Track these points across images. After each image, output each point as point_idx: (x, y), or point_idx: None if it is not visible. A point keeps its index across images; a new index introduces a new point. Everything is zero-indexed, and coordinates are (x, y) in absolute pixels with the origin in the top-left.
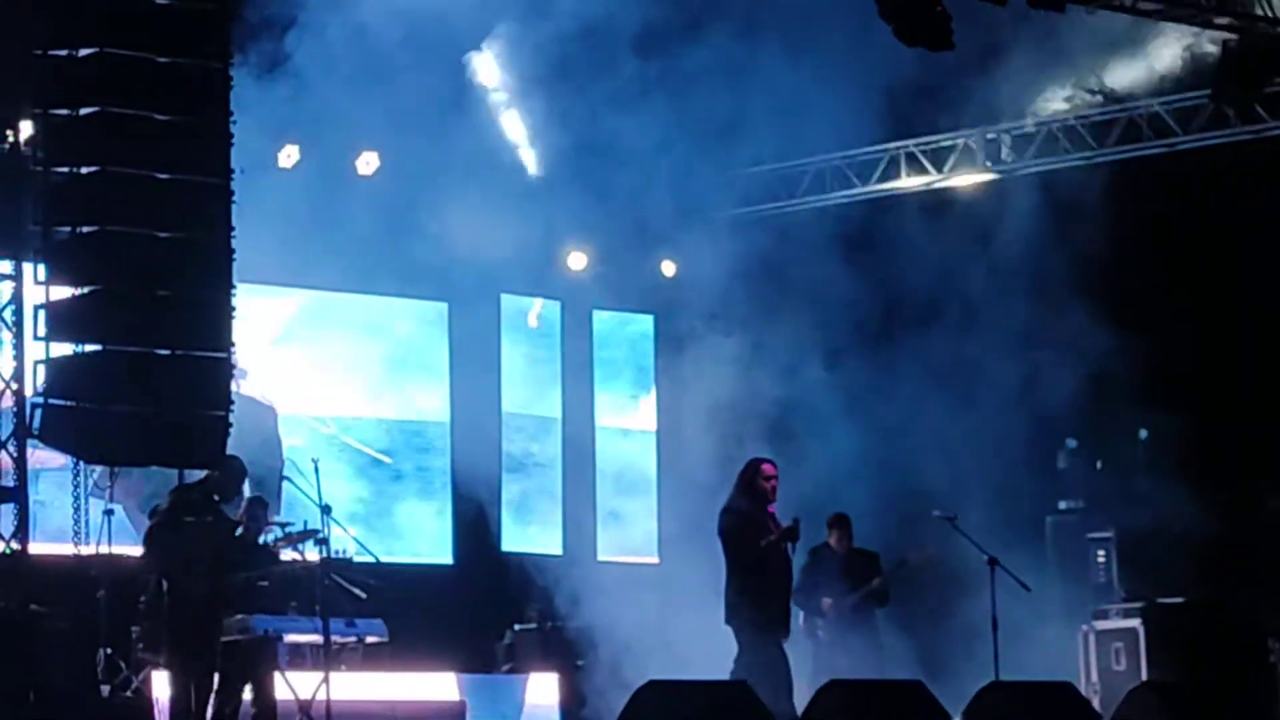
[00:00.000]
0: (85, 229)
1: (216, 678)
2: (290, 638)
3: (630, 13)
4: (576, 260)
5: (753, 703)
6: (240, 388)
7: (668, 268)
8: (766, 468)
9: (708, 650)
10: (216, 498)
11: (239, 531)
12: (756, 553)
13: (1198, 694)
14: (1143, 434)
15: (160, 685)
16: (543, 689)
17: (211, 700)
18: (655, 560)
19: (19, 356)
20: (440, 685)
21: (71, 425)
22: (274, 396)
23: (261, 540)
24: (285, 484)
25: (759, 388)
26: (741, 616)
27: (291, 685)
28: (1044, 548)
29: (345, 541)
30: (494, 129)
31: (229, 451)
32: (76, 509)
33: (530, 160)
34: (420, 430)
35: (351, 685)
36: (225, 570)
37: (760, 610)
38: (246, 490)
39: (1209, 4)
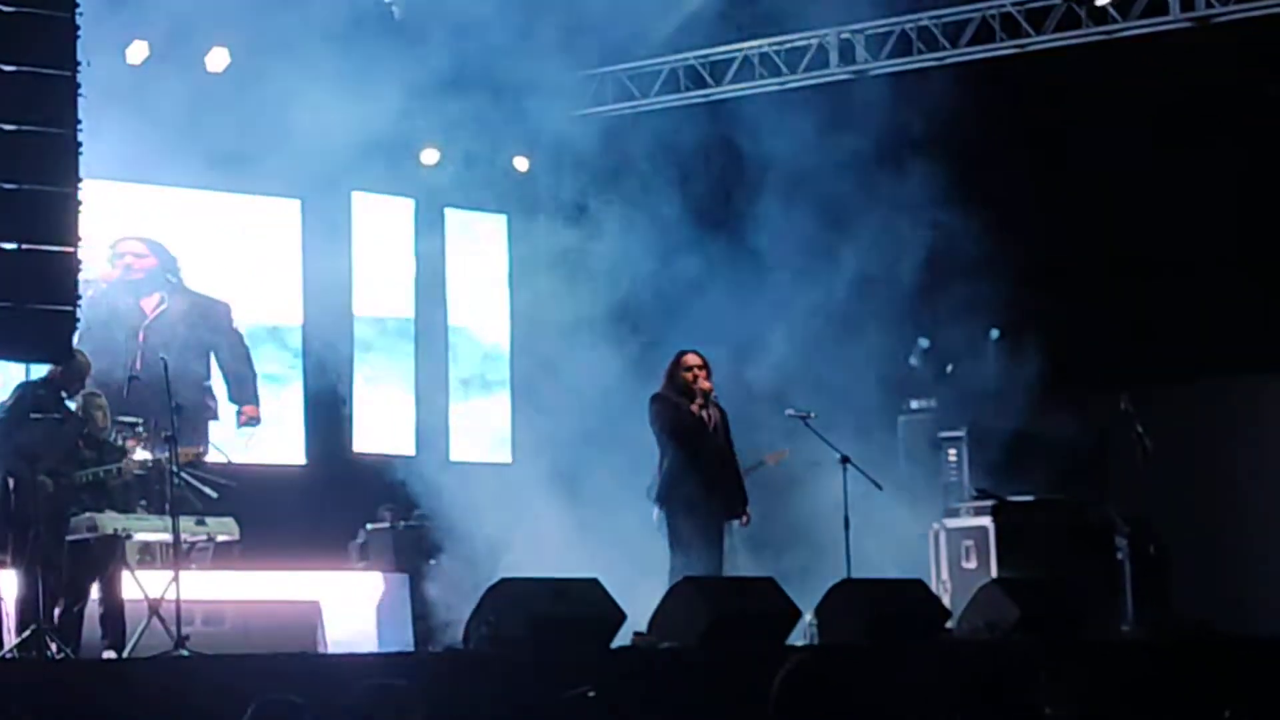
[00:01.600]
0: None
1: (64, 576)
2: (140, 536)
3: None
4: (430, 157)
5: (602, 597)
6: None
7: (520, 164)
8: (687, 358)
9: (559, 549)
10: (63, 394)
11: (85, 429)
12: (674, 434)
13: (1045, 590)
14: (994, 334)
15: (7, 585)
16: (395, 588)
17: (59, 600)
18: (509, 461)
19: None
20: (293, 584)
21: None
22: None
23: (111, 438)
24: (133, 381)
25: (608, 287)
26: (665, 501)
27: (141, 584)
28: (896, 446)
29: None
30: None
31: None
32: None
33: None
34: (273, 332)
35: (202, 584)
36: (73, 467)
37: (680, 492)
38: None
39: None
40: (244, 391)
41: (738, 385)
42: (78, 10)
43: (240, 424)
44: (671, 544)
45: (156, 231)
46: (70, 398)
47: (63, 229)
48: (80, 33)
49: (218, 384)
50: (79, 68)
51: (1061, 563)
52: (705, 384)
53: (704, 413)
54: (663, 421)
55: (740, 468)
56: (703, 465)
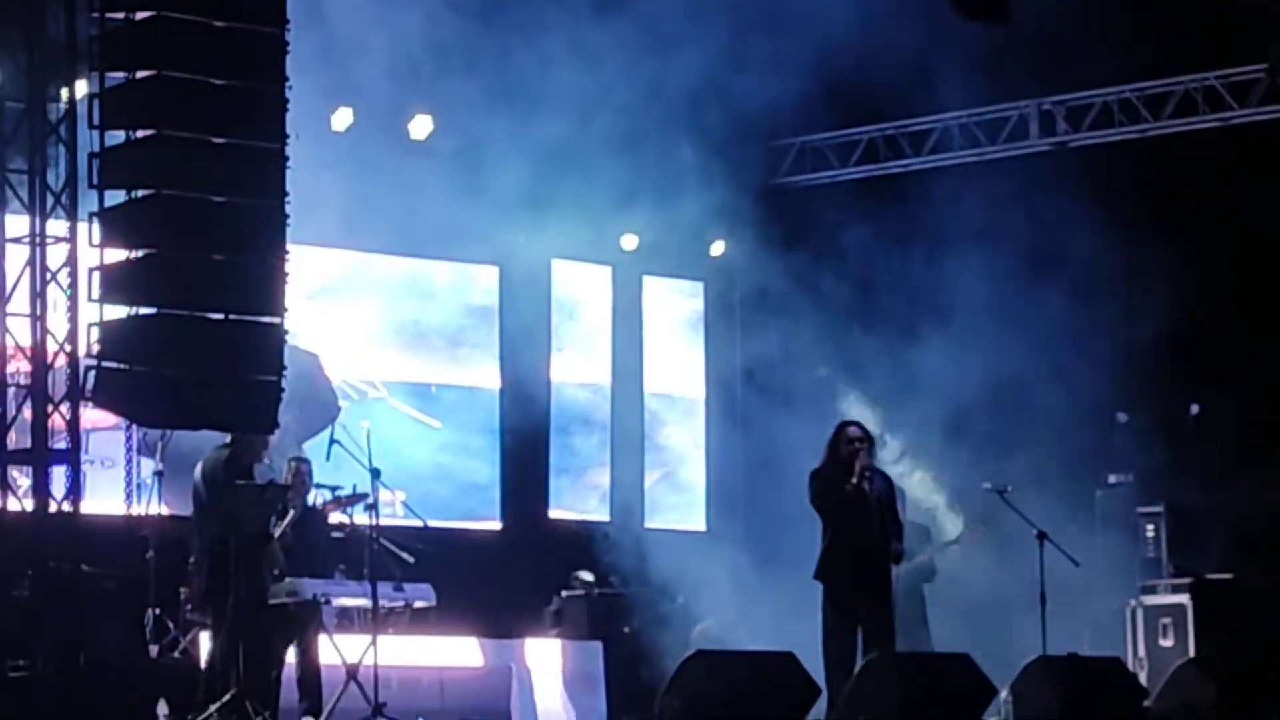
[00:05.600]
0: (140, 192)
1: (263, 641)
2: (338, 601)
3: None
4: (629, 241)
5: (797, 672)
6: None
7: (717, 247)
8: (849, 430)
9: (754, 620)
10: (249, 462)
11: (289, 494)
12: (830, 512)
13: (1244, 671)
14: (1194, 409)
15: (205, 649)
16: (589, 655)
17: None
18: (703, 528)
19: (73, 319)
20: (487, 650)
21: (124, 388)
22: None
23: (310, 502)
24: (335, 447)
25: (806, 354)
26: (820, 577)
27: (339, 649)
28: (1093, 521)
29: (394, 505)
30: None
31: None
32: (128, 471)
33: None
34: (469, 396)
35: (398, 650)
36: (272, 532)
37: (832, 573)
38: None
39: None
40: None
41: (936, 458)
42: (287, 84)
43: None
44: (826, 623)
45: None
46: (251, 463)
47: (269, 299)
48: (289, 105)
49: None
50: (287, 140)
51: (1260, 642)
52: (866, 458)
53: (864, 485)
54: (819, 500)
55: (931, 540)
56: (862, 542)
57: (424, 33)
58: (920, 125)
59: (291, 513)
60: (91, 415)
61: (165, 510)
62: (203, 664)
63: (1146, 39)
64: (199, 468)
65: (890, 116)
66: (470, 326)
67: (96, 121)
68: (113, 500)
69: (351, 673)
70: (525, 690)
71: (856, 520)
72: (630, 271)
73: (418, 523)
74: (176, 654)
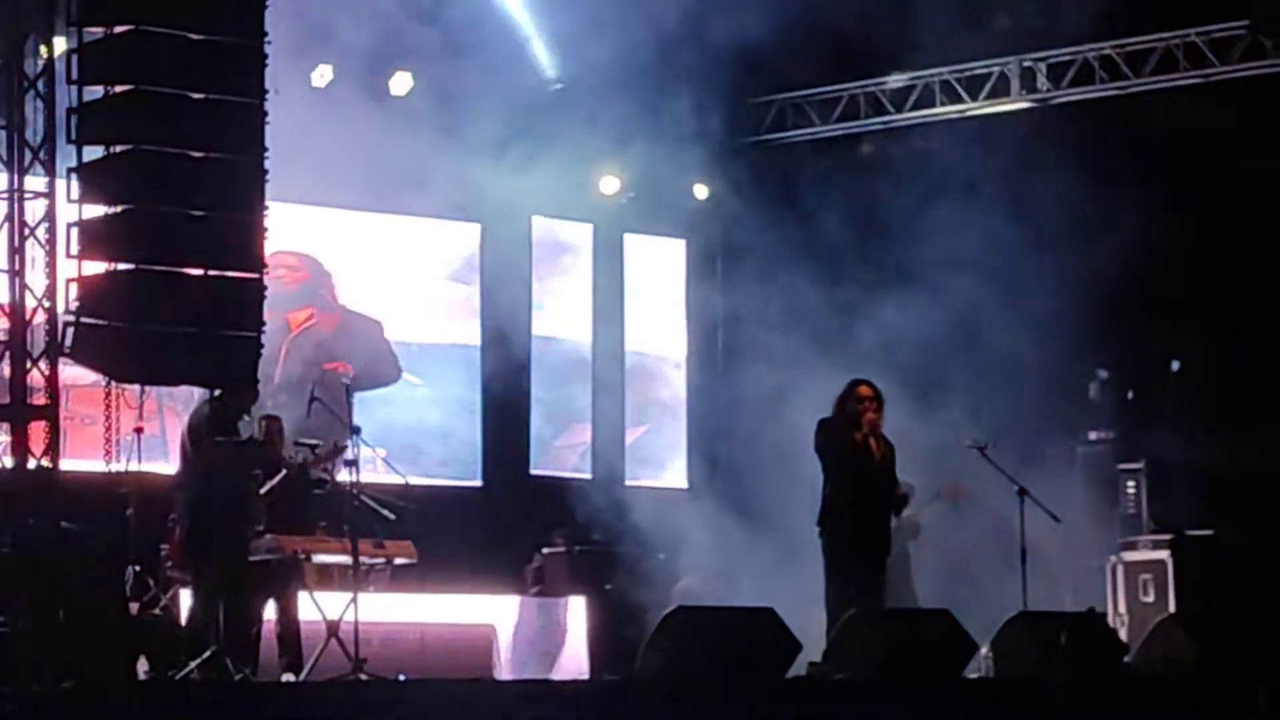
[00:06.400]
0: (118, 147)
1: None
2: (319, 558)
3: None
4: (609, 185)
5: (778, 628)
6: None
7: (700, 191)
8: (861, 389)
9: (734, 576)
10: (239, 417)
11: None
12: (835, 461)
13: (1224, 626)
14: (1175, 365)
15: (186, 605)
16: (570, 612)
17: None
18: (684, 485)
19: (51, 275)
20: (469, 607)
21: (103, 344)
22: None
23: (288, 458)
24: (315, 404)
25: (788, 310)
26: (824, 527)
27: (320, 606)
28: (1074, 478)
29: (375, 463)
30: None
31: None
32: (107, 427)
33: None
34: (450, 353)
35: (380, 607)
36: (253, 488)
37: (833, 522)
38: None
39: None
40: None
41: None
42: (266, 39)
43: None
44: (827, 572)
45: (326, 251)
46: (237, 420)
47: (248, 255)
48: (268, 61)
49: None
50: (267, 95)
51: (1240, 598)
52: (873, 416)
53: (869, 443)
54: (826, 449)
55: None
56: (864, 495)
57: None
58: (901, 82)
59: (284, 471)
60: (72, 372)
61: (145, 467)
62: (183, 621)
63: None
64: (185, 421)
65: (872, 73)
66: (451, 284)
67: (75, 77)
68: (93, 458)
69: (332, 629)
70: (506, 647)
71: (861, 473)
72: (612, 228)
73: (399, 480)
74: (157, 611)
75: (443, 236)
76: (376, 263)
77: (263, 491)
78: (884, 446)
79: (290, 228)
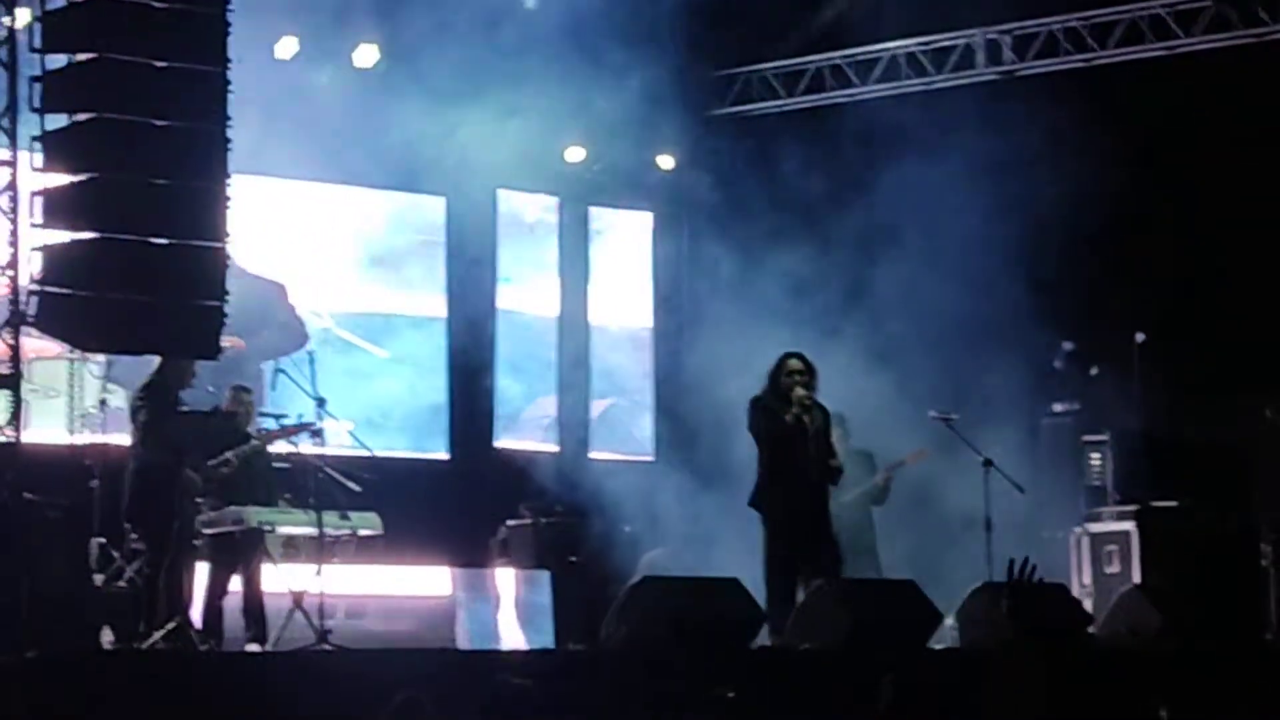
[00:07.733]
0: (82, 116)
1: (207, 567)
2: (283, 530)
3: None
4: (574, 154)
5: (743, 598)
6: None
7: (665, 161)
8: (789, 363)
9: (700, 548)
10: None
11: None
12: (767, 441)
13: (1188, 597)
14: (1140, 337)
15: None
16: (535, 584)
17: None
18: (650, 458)
19: (14, 244)
20: (434, 579)
21: (67, 313)
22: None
23: (253, 430)
24: (280, 375)
25: (753, 283)
26: (758, 505)
27: (285, 577)
28: (1038, 449)
29: (340, 435)
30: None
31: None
32: (71, 398)
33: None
34: (416, 325)
35: (345, 578)
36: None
37: (766, 502)
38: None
39: None
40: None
41: (882, 385)
42: (229, 7)
43: None
44: (764, 549)
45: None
46: (181, 389)
47: (212, 225)
48: (231, 30)
49: None
50: (229, 65)
51: (1205, 570)
52: (802, 390)
53: (804, 418)
54: (757, 428)
55: (878, 466)
56: (797, 472)
57: None
58: (867, 55)
59: (254, 441)
60: (35, 344)
61: (110, 439)
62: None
63: None
64: (133, 393)
65: (838, 46)
66: (416, 256)
67: (38, 45)
68: (56, 429)
69: (297, 601)
70: (471, 619)
71: (793, 450)
72: (578, 201)
73: (365, 452)
74: (121, 583)
75: (409, 209)
76: (341, 235)
77: (227, 459)
78: (817, 418)
79: (253, 200)
